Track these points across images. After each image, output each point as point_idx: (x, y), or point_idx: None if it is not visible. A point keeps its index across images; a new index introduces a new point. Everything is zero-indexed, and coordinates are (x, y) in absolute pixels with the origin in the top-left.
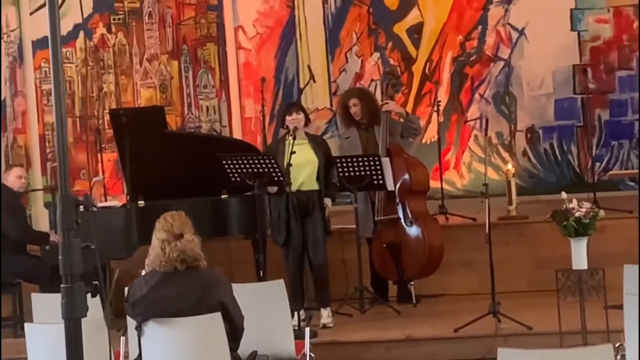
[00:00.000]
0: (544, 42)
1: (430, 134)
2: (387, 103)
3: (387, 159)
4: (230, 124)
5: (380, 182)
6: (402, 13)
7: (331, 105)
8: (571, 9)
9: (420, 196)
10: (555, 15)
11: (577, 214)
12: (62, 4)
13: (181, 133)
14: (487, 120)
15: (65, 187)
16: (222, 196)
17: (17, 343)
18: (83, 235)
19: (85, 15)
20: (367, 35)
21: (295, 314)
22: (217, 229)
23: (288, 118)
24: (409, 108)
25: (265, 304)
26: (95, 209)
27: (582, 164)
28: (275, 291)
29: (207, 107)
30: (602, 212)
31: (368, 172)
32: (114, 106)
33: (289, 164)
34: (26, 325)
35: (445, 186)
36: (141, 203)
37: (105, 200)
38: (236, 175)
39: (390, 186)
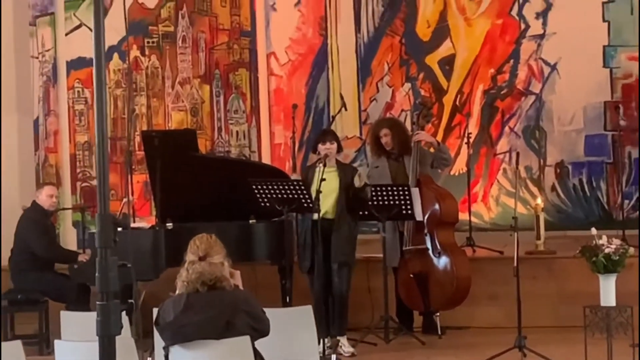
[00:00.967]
0: (575, 77)
1: (459, 166)
2: (418, 133)
3: (417, 189)
4: (259, 150)
5: (409, 212)
6: (434, 44)
7: (361, 134)
8: (604, 46)
9: (449, 227)
10: (588, 52)
11: (606, 251)
12: None
13: (212, 157)
14: (517, 154)
15: (104, 205)
16: (250, 221)
17: None
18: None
19: (119, 38)
20: (399, 65)
21: (321, 341)
22: (244, 253)
23: (321, 146)
24: (439, 139)
25: (292, 330)
26: (125, 230)
27: (610, 200)
28: (303, 317)
29: (237, 132)
30: (632, 250)
31: (397, 202)
32: (145, 128)
33: (319, 191)
34: (56, 342)
35: (472, 219)
36: (169, 225)
37: (134, 222)
38: (266, 200)
39: (419, 216)
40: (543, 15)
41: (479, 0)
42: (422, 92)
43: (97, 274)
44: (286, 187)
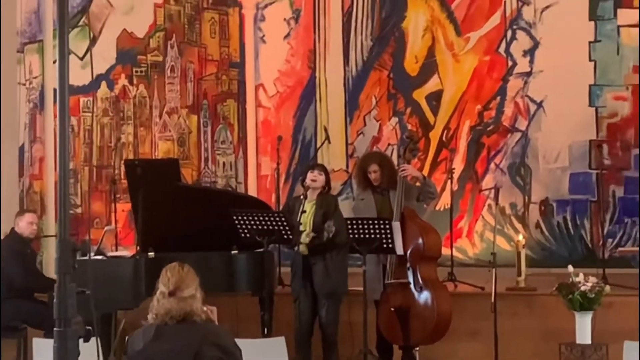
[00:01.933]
0: (561, 115)
1: (445, 201)
2: (404, 168)
3: (398, 223)
4: (246, 181)
5: (390, 246)
6: (422, 79)
7: (347, 167)
8: (590, 85)
9: (432, 262)
10: (574, 90)
11: (582, 288)
12: (85, 54)
13: (195, 187)
14: (498, 189)
15: (64, 231)
16: (232, 251)
17: None
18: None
19: (108, 67)
20: (387, 99)
21: None
22: (225, 284)
23: (309, 174)
24: (425, 174)
25: None
26: (105, 258)
27: (594, 239)
28: (275, 348)
29: (224, 162)
30: (607, 288)
31: (378, 236)
32: (131, 157)
33: (299, 223)
34: None
35: (456, 254)
36: (151, 254)
37: (116, 250)
38: (246, 231)
39: (399, 251)
40: (530, 53)
41: (467, 37)
42: (409, 127)
43: (55, 300)
44: (266, 218)
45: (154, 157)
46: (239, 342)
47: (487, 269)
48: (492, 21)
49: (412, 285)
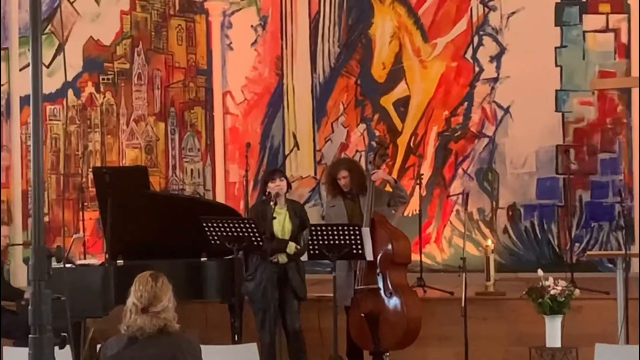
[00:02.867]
0: (528, 121)
1: (412, 207)
2: (375, 172)
3: (367, 229)
4: (214, 188)
5: (360, 251)
6: (389, 86)
7: (315, 173)
8: (556, 90)
9: (402, 268)
10: (541, 96)
11: (552, 292)
12: (51, 62)
13: (163, 194)
14: (467, 195)
15: (39, 238)
16: (202, 259)
17: None
18: (56, 289)
19: (74, 74)
20: (354, 106)
21: None
22: (195, 291)
23: (271, 185)
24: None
25: None
26: (74, 266)
27: (561, 243)
28: (247, 355)
29: (192, 170)
30: (577, 291)
31: (347, 242)
32: (98, 165)
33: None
34: None
35: (425, 259)
36: (120, 262)
37: (85, 258)
38: (216, 238)
39: (369, 256)
40: (497, 58)
41: (434, 43)
42: (377, 133)
43: (30, 307)
44: (237, 225)
45: (121, 165)
46: (210, 348)
47: (457, 274)
48: (459, 27)
49: (382, 291)
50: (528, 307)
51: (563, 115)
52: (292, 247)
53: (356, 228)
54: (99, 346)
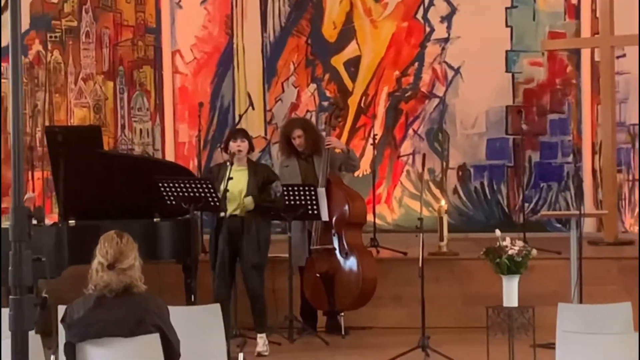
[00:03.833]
0: (478, 81)
1: (364, 168)
2: (329, 140)
3: (323, 189)
4: (163, 148)
5: (315, 212)
6: (340, 46)
7: (265, 133)
8: (506, 51)
9: (357, 228)
10: (491, 56)
11: (510, 252)
12: None
13: (117, 153)
14: (424, 156)
15: (18, 198)
16: (155, 219)
17: None
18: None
19: (21, 32)
20: (305, 66)
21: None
22: (149, 252)
23: (232, 144)
24: (344, 140)
25: (199, 330)
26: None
27: (511, 204)
28: (211, 316)
29: (141, 129)
30: (534, 251)
31: (303, 202)
32: (46, 124)
33: (226, 190)
34: None
35: (376, 220)
36: (72, 222)
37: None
38: (172, 198)
39: (324, 217)
40: (448, 19)
41: (385, 2)
42: (328, 93)
43: (10, 268)
44: (193, 185)
45: (69, 124)
46: (171, 309)
47: (408, 235)
48: None
49: (337, 252)
50: (481, 267)
51: (513, 76)
52: (249, 200)
53: (312, 188)
54: (59, 307)
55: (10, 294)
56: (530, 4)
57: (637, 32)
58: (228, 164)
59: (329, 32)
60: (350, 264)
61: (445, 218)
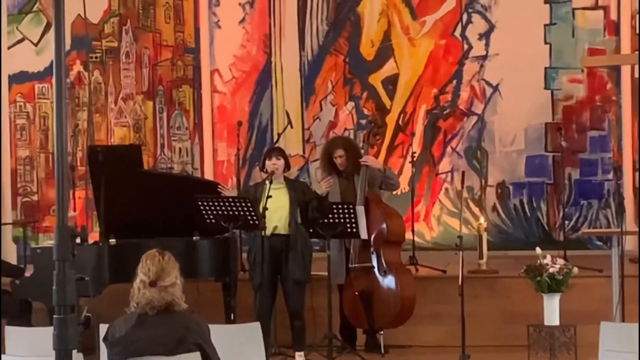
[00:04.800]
0: (517, 99)
1: (402, 185)
2: (366, 160)
3: (362, 207)
4: (202, 167)
5: (354, 230)
6: (378, 64)
7: (304, 152)
8: (545, 68)
9: (396, 246)
10: (530, 73)
11: (551, 270)
12: (39, 40)
13: (157, 172)
14: (463, 173)
15: (63, 217)
16: (194, 237)
17: None
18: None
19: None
20: (343, 84)
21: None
22: (188, 270)
23: (268, 162)
24: (381, 159)
25: (239, 347)
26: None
27: (550, 221)
28: (251, 334)
29: (180, 148)
30: (575, 269)
31: (342, 220)
32: (87, 144)
33: (265, 208)
34: (3, 357)
35: (414, 238)
36: (112, 241)
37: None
38: (211, 216)
39: (363, 235)
40: (486, 36)
41: (423, 20)
42: (366, 111)
43: (54, 287)
44: (232, 204)
45: (110, 144)
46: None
47: (447, 253)
48: (448, 4)
49: (376, 270)
50: (521, 285)
51: (552, 93)
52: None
53: (351, 206)
54: (102, 326)
55: (54, 313)
56: (569, 21)
57: None
58: (267, 182)
59: (367, 50)
60: (389, 282)
61: (485, 236)
